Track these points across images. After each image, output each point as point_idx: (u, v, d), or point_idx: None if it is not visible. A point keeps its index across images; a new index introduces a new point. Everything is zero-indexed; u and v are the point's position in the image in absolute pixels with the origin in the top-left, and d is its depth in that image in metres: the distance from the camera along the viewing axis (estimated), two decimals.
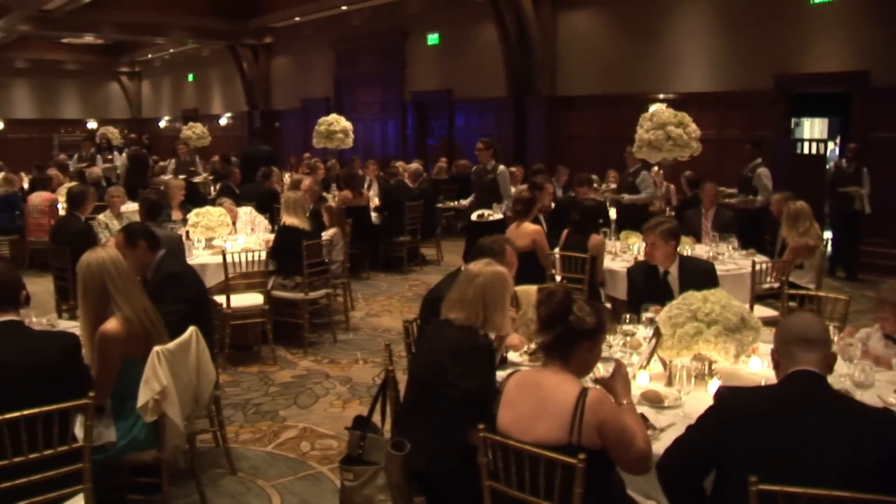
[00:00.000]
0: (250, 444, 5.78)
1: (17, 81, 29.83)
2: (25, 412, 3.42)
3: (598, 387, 3.27)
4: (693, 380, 4.07)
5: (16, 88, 30.00)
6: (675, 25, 13.73)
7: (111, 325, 4.11)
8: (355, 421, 4.09)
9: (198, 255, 7.77)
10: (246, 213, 9.31)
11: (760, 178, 10.33)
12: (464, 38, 17.52)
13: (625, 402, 3.35)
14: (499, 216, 9.91)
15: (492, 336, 4.06)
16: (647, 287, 5.74)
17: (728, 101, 12.74)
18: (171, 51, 27.35)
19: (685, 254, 6.32)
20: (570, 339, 3.22)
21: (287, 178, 14.12)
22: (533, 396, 3.21)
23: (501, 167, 10.36)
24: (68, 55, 28.59)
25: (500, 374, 3.98)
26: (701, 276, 5.50)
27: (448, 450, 3.80)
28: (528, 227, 7.54)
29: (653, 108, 11.98)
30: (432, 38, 18.34)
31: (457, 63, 17.65)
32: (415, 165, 12.84)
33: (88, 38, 25.27)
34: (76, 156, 17.31)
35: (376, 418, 4.17)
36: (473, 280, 4.01)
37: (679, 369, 4.06)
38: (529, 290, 5.94)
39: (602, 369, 3.83)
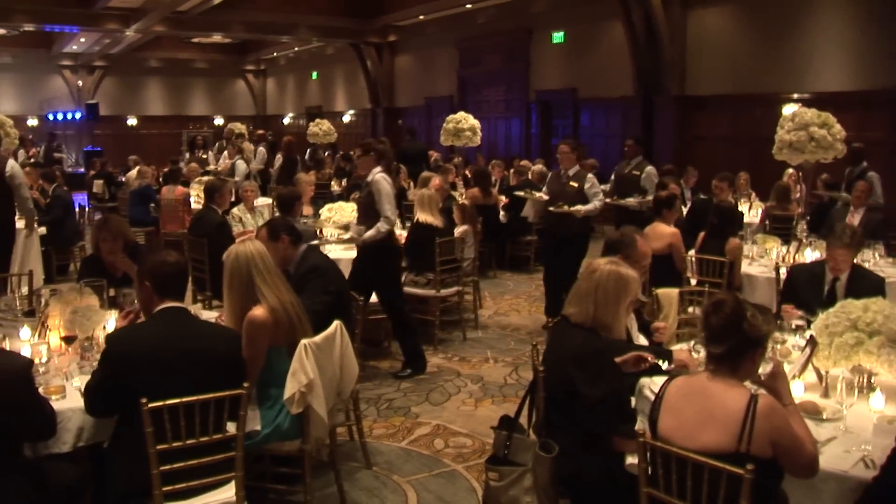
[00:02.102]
0: (384, 439, 5.81)
1: (150, 80, 30.88)
2: (185, 399, 3.51)
3: (766, 393, 3.14)
4: (854, 392, 3.89)
5: (149, 86, 31.05)
6: (811, 21, 13.21)
7: (259, 311, 4.18)
8: (501, 420, 4.05)
9: (330, 250, 7.85)
10: None
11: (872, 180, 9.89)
12: (590, 36, 17.30)
13: (788, 403, 3.22)
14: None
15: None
16: (811, 291, 5.52)
17: (870, 101, 12.18)
18: (296, 49, 27.85)
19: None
20: (743, 348, 3.10)
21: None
22: (697, 403, 3.11)
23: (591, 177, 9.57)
24: (198, 54, 29.47)
25: (653, 381, 3.91)
26: (869, 287, 5.23)
27: (595, 459, 3.75)
28: (665, 229, 7.39)
29: (787, 107, 11.62)
30: (557, 37, 18.15)
31: (582, 62, 17.43)
32: (539, 166, 12.75)
33: (217, 38, 25.96)
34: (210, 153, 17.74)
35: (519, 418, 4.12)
36: (591, 275, 3.96)
37: (839, 381, 3.86)
38: (671, 293, 5.84)
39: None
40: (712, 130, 14.85)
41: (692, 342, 4.56)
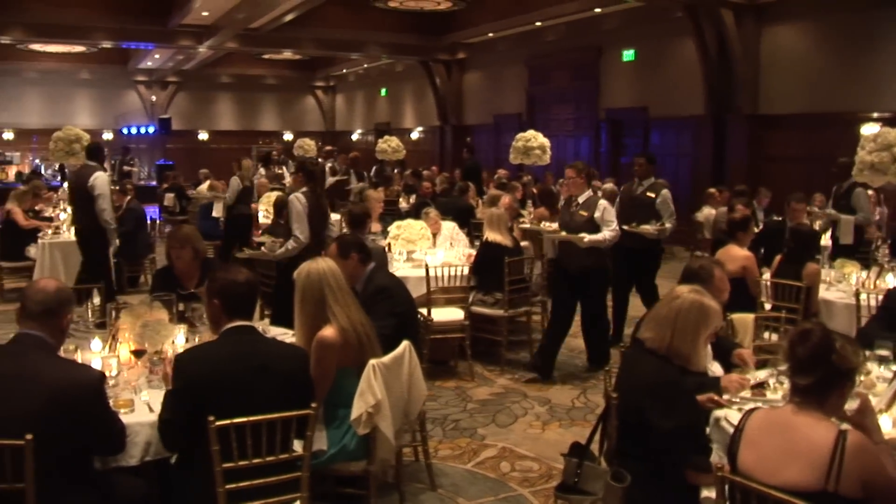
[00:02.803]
0: (449, 460, 5.74)
1: (221, 95, 31.37)
2: (253, 418, 3.49)
3: (855, 430, 2.99)
4: None
5: (220, 102, 31.54)
6: (890, 37, 12.86)
7: (328, 331, 4.17)
8: (572, 447, 3.96)
9: (399, 268, 7.83)
10: (449, 228, 9.30)
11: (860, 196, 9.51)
12: (661, 54, 17.11)
13: (879, 441, 3.07)
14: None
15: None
16: None
17: None
18: (366, 66, 28.02)
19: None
20: (831, 381, 2.96)
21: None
22: (780, 437, 2.97)
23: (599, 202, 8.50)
24: (268, 70, 29.84)
25: (729, 412, 3.78)
26: None
27: (668, 491, 3.62)
28: (739, 252, 7.20)
29: (865, 127, 11.32)
30: (628, 55, 18.01)
31: (653, 80, 17.25)
32: (609, 185, 12.58)
33: (287, 54, 26.24)
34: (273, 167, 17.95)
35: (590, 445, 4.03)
36: (671, 301, 3.82)
37: None
38: (746, 319, 5.69)
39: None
40: (786, 150, 14.55)
41: (772, 370, 4.42)
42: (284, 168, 17.15)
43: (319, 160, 17.94)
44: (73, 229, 9.82)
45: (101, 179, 8.70)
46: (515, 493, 5.22)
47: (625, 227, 8.04)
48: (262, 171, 16.38)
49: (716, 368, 4.52)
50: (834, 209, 9.66)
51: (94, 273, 8.67)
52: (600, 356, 7.72)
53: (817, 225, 9.65)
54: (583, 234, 7.31)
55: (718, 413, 3.89)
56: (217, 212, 14.15)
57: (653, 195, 8.58)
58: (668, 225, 8.34)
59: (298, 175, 7.61)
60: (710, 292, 4.02)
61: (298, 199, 7.37)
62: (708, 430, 3.89)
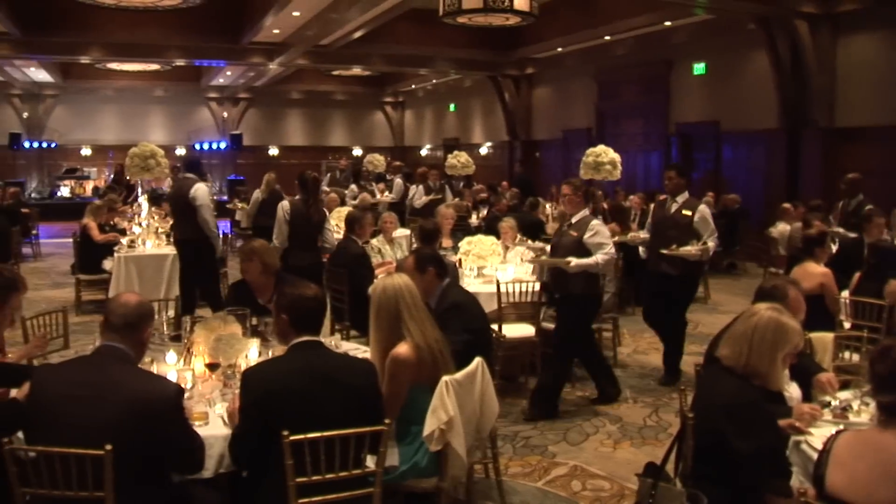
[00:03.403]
0: (520, 477, 5.69)
1: (291, 111, 31.76)
2: (327, 433, 3.50)
3: None
4: None
5: (290, 118, 31.92)
6: None
7: (403, 349, 4.16)
8: (647, 468, 3.88)
9: (469, 283, 7.80)
10: (523, 244, 9.23)
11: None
12: (732, 66, 16.86)
13: None
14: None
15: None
16: None
17: None
18: (434, 81, 28.14)
19: None
20: None
21: (549, 208, 14.12)
22: (872, 458, 2.88)
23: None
24: (338, 86, 30.11)
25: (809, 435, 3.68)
26: None
27: None
28: (816, 268, 7.05)
29: None
30: (698, 68, 17.80)
31: (724, 93, 17.00)
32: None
33: (357, 70, 26.48)
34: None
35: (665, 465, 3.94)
36: (749, 318, 3.74)
37: None
38: (825, 338, 5.54)
39: None
40: (863, 164, 14.12)
41: (855, 391, 4.30)
42: (374, 184, 17.13)
43: (388, 175, 18.10)
44: (172, 240, 10.28)
45: (201, 191, 8.94)
46: None
47: (664, 252, 7.60)
48: (353, 187, 16.37)
49: (793, 390, 4.40)
50: (841, 227, 9.49)
51: (204, 282, 8.98)
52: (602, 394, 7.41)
53: None
54: (569, 259, 6.73)
55: (798, 436, 3.79)
56: (244, 222, 15.36)
57: (689, 213, 7.73)
58: (710, 244, 7.64)
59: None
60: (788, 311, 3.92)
61: (282, 207, 8.57)
62: (787, 452, 3.79)
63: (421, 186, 15.19)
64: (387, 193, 16.60)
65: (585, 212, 7.07)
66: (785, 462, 3.68)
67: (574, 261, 6.68)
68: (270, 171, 15.14)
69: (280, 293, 4.04)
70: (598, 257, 6.70)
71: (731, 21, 15.87)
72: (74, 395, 3.43)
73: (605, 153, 12.46)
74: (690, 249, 7.53)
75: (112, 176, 24.07)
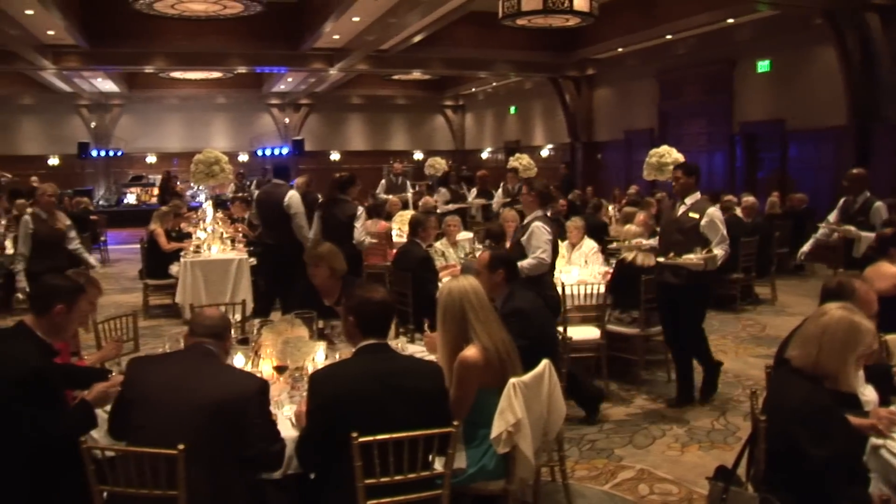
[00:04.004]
0: (586, 481, 5.64)
1: (351, 116, 31.98)
2: (396, 435, 3.50)
3: None
4: None
5: (351, 122, 32.14)
6: None
7: (471, 352, 4.15)
8: (717, 471, 3.82)
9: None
10: (589, 246, 9.12)
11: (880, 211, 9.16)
12: (798, 63, 16.54)
13: None
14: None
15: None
16: None
17: None
18: (494, 84, 28.12)
19: None
20: None
21: (612, 210, 14.01)
22: None
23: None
24: (398, 90, 30.25)
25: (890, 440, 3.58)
26: None
27: None
28: (890, 269, 6.83)
29: None
30: (763, 66, 17.50)
31: (790, 91, 16.68)
32: (752, 199, 12.18)
33: (417, 74, 26.54)
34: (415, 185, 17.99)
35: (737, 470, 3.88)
36: (818, 318, 3.66)
37: None
38: None
39: None
40: None
41: None
42: (467, 187, 16.95)
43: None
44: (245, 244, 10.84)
45: (295, 199, 9.17)
46: None
47: (660, 260, 7.09)
48: (444, 190, 16.26)
49: (869, 393, 4.28)
50: (847, 223, 9.16)
51: (291, 286, 9.08)
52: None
53: None
54: (697, 256, 6.70)
55: (877, 441, 3.68)
56: None
57: (696, 216, 7.01)
58: (717, 252, 6.85)
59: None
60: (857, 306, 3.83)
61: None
62: (865, 458, 3.69)
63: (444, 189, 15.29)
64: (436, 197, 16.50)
65: (538, 212, 7.01)
66: (863, 468, 3.59)
67: (524, 263, 6.62)
68: (331, 174, 15.21)
69: (348, 295, 4.08)
70: (525, 261, 6.66)
71: (797, 16, 15.55)
72: (165, 387, 3.56)
73: (669, 153, 12.32)
74: (692, 257, 6.83)
75: (160, 184, 24.24)
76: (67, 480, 3.61)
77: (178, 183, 24.51)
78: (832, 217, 9.66)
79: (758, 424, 3.78)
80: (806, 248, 9.95)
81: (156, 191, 26.48)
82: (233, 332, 5.35)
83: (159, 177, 26.86)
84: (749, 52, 17.65)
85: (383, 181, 18.06)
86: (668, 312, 7.28)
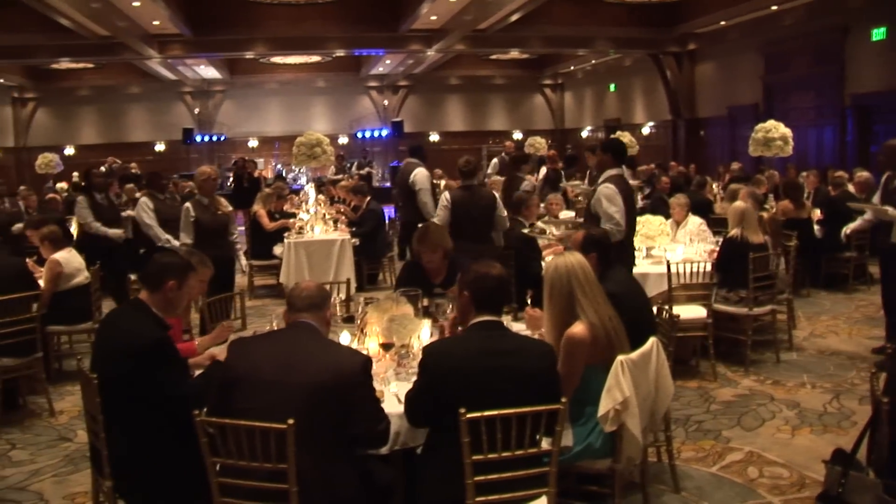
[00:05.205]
0: (693, 462, 5.53)
1: (450, 97, 31.96)
2: (504, 411, 3.47)
3: None
4: None
5: (449, 103, 32.12)
6: None
7: (578, 328, 4.11)
8: (835, 454, 3.69)
9: (638, 264, 7.63)
10: (695, 223, 8.95)
11: None
12: None
13: None
14: None
15: None
16: None
17: None
18: (593, 62, 27.72)
19: None
20: None
21: (716, 188, 13.71)
22: None
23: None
24: (496, 70, 30.16)
25: None
26: None
27: None
28: None
29: None
30: (878, 33, 16.62)
31: None
32: (866, 174, 11.67)
33: (514, 53, 26.38)
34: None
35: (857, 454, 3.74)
36: None
37: None
38: None
39: None
40: None
41: None
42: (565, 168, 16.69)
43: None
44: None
45: (420, 175, 9.33)
46: (765, 501, 4.94)
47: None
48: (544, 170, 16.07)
49: None
50: (886, 204, 7.57)
51: None
52: None
53: None
54: None
55: None
56: None
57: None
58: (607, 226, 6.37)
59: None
60: None
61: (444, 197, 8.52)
62: None
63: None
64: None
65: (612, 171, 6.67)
66: None
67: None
68: (434, 155, 15.18)
69: (465, 270, 4.07)
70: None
71: None
72: (269, 367, 3.60)
73: (776, 128, 12.02)
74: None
75: (233, 168, 24.23)
76: (188, 451, 3.70)
77: (258, 168, 24.58)
78: (876, 198, 8.11)
79: (880, 407, 3.63)
80: (852, 227, 9.35)
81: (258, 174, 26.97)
82: (338, 309, 5.48)
83: (261, 160, 27.32)
84: (863, 19, 16.78)
85: (495, 160, 17.92)
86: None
